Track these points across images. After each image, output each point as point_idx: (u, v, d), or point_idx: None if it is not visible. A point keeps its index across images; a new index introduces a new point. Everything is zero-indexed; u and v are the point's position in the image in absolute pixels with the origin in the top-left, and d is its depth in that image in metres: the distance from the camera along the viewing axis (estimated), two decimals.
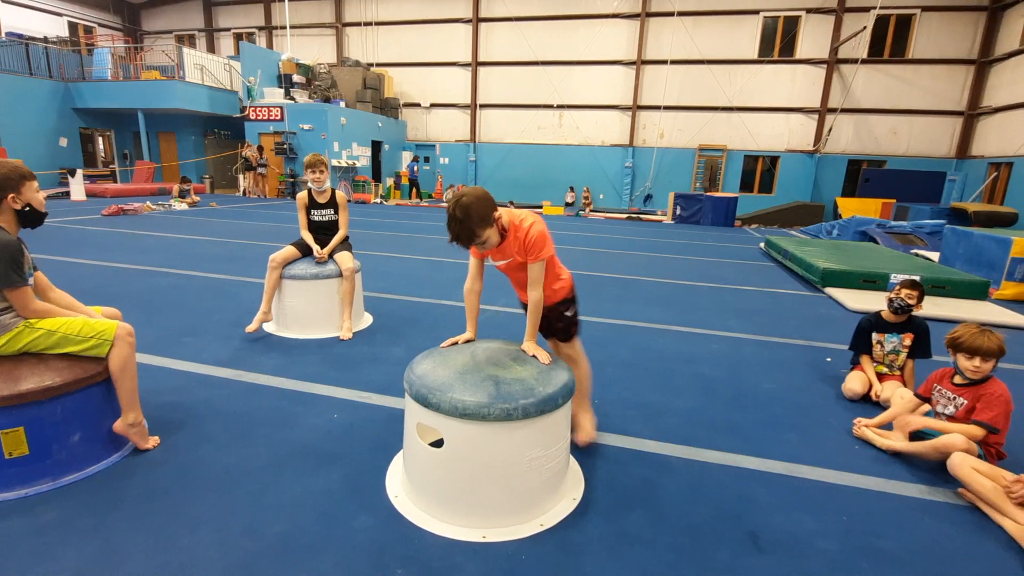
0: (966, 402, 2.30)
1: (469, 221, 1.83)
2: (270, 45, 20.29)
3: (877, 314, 3.10)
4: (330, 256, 3.79)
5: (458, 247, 1.92)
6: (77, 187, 12.70)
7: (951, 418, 2.34)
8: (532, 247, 1.99)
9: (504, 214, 1.99)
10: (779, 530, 1.87)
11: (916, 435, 2.51)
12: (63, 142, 15.78)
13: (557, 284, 2.22)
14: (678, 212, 14.01)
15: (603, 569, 1.65)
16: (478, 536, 1.77)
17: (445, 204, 15.23)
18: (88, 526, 1.73)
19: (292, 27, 19.00)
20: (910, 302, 2.94)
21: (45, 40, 16.56)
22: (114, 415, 2.11)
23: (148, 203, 11.30)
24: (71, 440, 1.96)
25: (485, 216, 1.86)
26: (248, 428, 2.40)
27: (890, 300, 3.01)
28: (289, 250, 3.71)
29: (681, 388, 3.09)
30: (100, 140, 17.77)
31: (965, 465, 2.07)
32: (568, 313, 2.28)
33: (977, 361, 2.23)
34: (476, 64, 18.47)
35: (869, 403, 2.97)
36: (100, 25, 20.67)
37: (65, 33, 19.20)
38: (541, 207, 15.81)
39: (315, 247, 3.76)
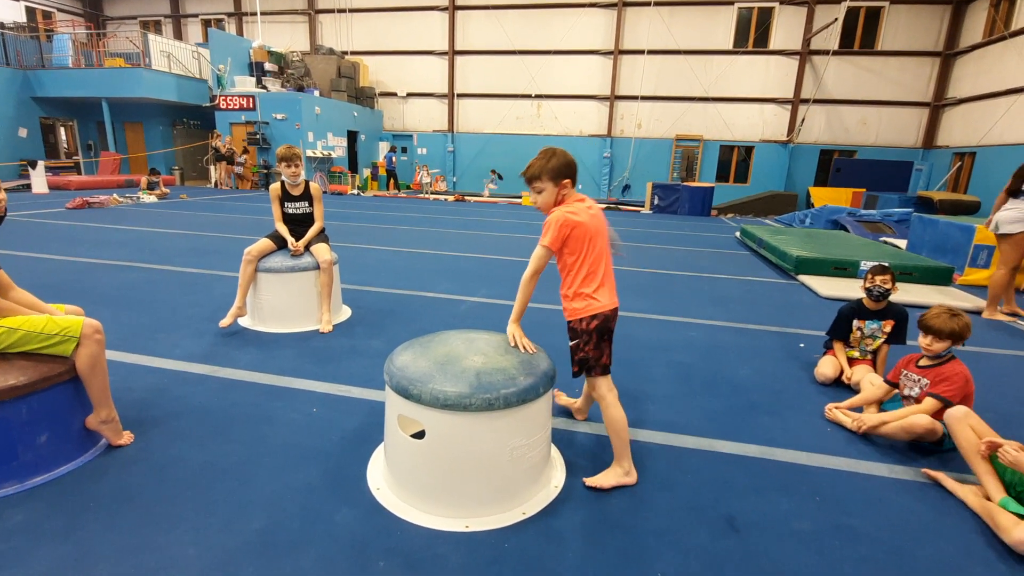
0: (929, 382, 2.40)
1: (547, 163, 1.92)
2: (240, 32, 19.73)
3: (859, 301, 3.14)
4: (306, 248, 3.73)
5: (524, 177, 1.99)
6: (39, 179, 12.22)
7: (916, 399, 2.44)
8: (544, 227, 1.97)
9: (572, 195, 2.00)
10: (755, 512, 1.92)
11: None
12: (22, 132, 15.16)
13: (574, 302, 2.01)
14: (656, 202, 14.14)
15: (585, 555, 1.67)
16: (461, 526, 1.77)
17: (425, 194, 14.94)
18: (58, 528, 1.69)
19: (263, 13, 18.49)
20: (886, 287, 2.99)
21: (1, 26, 15.81)
22: (84, 414, 2.06)
23: (115, 196, 10.93)
24: (38, 440, 1.90)
25: (558, 171, 1.92)
26: (225, 424, 2.36)
27: (867, 290, 3.05)
28: (264, 243, 3.63)
29: (659, 376, 3.14)
30: (62, 130, 17.12)
31: (964, 418, 2.08)
32: (571, 343, 2.05)
33: (929, 339, 2.38)
34: (453, 53, 18.27)
35: (841, 387, 3.05)
36: (59, 10, 19.81)
37: (22, 18, 18.36)
38: (520, 198, 15.79)
39: (290, 239, 3.69)
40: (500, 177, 16.88)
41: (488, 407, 1.71)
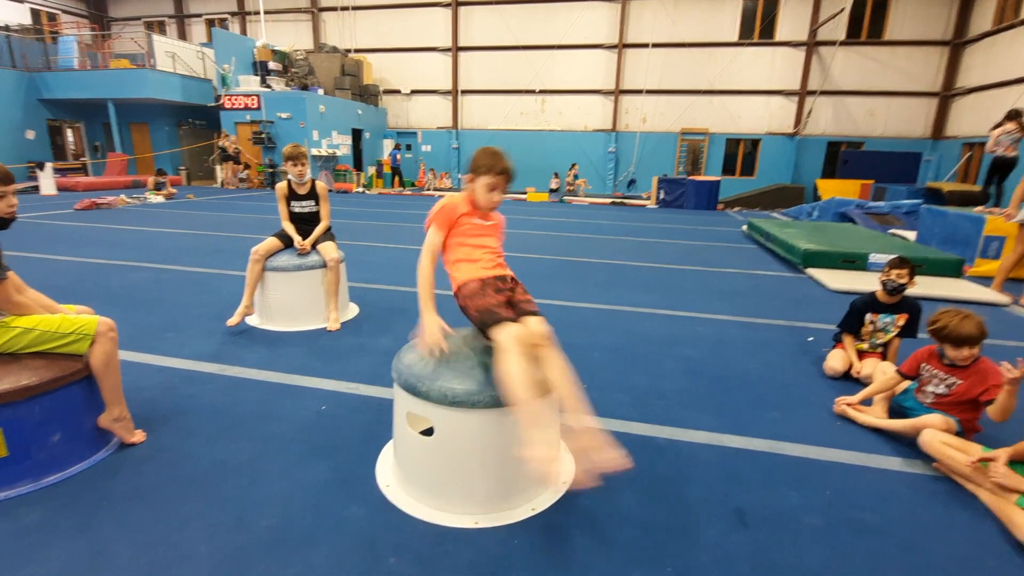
0: (961, 381, 2.31)
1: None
2: (244, 31, 19.77)
3: (872, 294, 3.10)
4: (313, 247, 3.74)
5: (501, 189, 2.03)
6: (47, 181, 12.32)
7: (943, 396, 2.36)
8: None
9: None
10: (765, 506, 1.91)
11: (895, 411, 2.58)
12: (30, 135, 15.28)
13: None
14: (662, 196, 14.07)
15: (593, 550, 1.67)
16: (470, 522, 1.78)
17: (430, 192, 14.89)
18: (73, 526, 1.71)
19: (266, 12, 18.50)
20: (901, 281, 2.94)
21: (7, 28, 15.93)
22: (96, 413, 2.08)
23: (122, 196, 11.01)
24: (51, 440, 1.92)
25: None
26: (235, 422, 2.38)
27: (883, 283, 3.02)
28: (271, 242, 3.65)
29: (667, 371, 3.13)
30: (69, 132, 17.23)
31: (935, 441, 2.13)
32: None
33: (965, 351, 2.26)
34: (456, 49, 18.22)
35: (850, 380, 3.03)
36: (64, 12, 19.92)
37: (28, 20, 18.48)
38: (525, 194, 15.76)
39: (296, 238, 3.70)
40: None
41: (496, 404, 1.71)
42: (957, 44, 14.90)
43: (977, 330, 2.24)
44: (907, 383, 2.59)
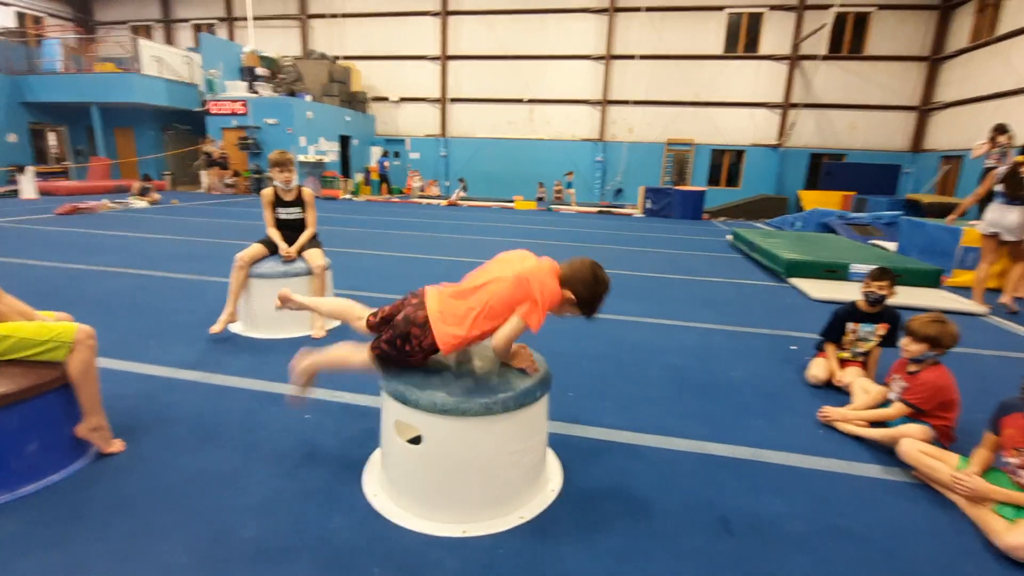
0: (907, 386, 2.43)
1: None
2: (231, 37, 19.66)
3: (854, 304, 3.15)
4: (299, 254, 3.72)
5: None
6: (28, 185, 12.10)
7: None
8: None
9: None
10: (749, 514, 1.93)
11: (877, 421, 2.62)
12: (11, 138, 15.00)
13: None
14: (648, 206, 14.20)
15: (580, 557, 1.67)
16: (458, 531, 1.77)
17: (419, 199, 14.80)
18: (49, 538, 1.67)
19: (255, 18, 18.42)
20: (882, 293, 3.00)
21: None
22: (73, 422, 2.03)
23: (105, 201, 10.85)
24: (28, 449, 1.88)
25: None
26: (217, 431, 2.34)
27: (864, 294, 3.07)
28: (256, 248, 3.62)
29: (653, 379, 3.15)
30: (52, 136, 16.95)
31: (913, 450, 2.18)
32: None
33: (906, 339, 2.44)
34: (445, 58, 18.30)
35: (832, 388, 3.08)
36: (49, 15, 19.66)
37: (12, 23, 18.21)
38: (512, 202, 15.81)
39: (282, 245, 3.67)
40: (466, 188, 16.97)
41: (486, 412, 1.71)
42: (935, 60, 15.31)
43: (921, 330, 2.35)
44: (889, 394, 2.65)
